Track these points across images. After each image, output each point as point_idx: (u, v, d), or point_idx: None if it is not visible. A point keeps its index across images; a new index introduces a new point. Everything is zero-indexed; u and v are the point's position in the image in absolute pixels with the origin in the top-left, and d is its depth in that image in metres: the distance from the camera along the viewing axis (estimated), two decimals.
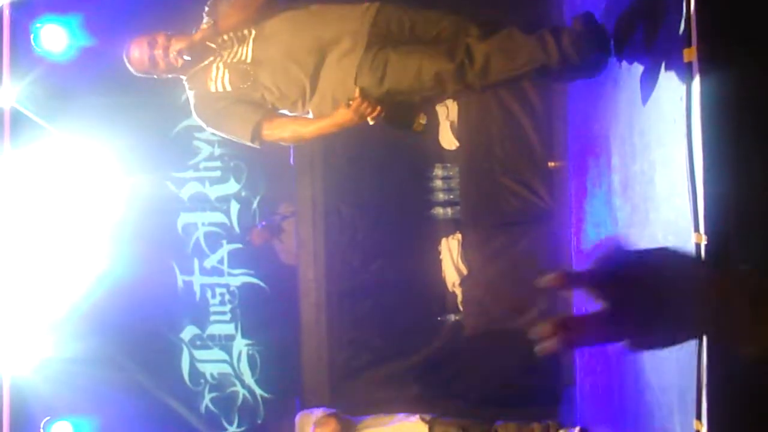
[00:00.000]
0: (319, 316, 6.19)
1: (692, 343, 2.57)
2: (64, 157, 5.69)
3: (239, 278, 6.77)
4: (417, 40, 3.66)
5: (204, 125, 3.91)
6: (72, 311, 5.83)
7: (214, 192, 6.77)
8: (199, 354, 6.83)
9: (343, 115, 3.60)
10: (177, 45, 3.74)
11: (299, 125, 3.79)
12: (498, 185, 5.83)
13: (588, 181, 4.58)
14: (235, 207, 6.76)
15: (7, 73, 5.43)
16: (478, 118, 5.91)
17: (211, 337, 6.81)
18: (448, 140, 6.10)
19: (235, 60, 3.75)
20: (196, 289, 6.82)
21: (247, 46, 3.74)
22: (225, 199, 6.77)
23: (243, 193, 6.74)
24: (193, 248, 6.81)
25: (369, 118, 3.58)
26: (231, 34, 3.75)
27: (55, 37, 5.40)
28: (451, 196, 6.12)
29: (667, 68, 2.90)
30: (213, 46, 3.76)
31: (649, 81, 3.15)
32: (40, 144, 5.55)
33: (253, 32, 3.74)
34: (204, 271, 6.81)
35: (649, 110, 3.18)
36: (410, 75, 3.53)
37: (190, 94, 3.88)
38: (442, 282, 6.11)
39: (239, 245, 6.76)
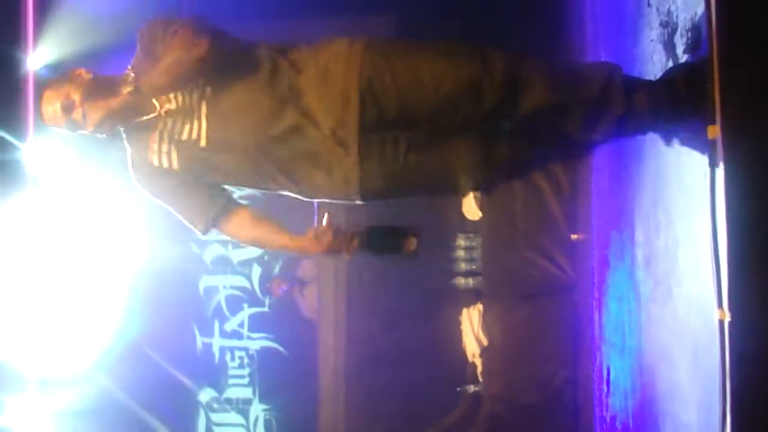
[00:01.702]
0: (337, 382, 6.16)
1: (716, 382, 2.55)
2: (87, 214, 5.74)
3: (259, 342, 6.77)
4: (412, 119, 2.88)
5: (146, 194, 3.16)
6: (90, 368, 5.83)
7: (236, 255, 6.81)
8: (216, 417, 6.81)
9: (307, 245, 3.01)
10: (94, 115, 2.91)
11: (264, 233, 3.12)
12: (520, 257, 5.82)
13: (611, 254, 4.57)
14: (256, 271, 6.79)
15: (32, 134, 5.51)
16: (502, 190, 5.93)
17: (229, 401, 6.80)
18: (472, 211, 6.12)
19: (184, 139, 2.96)
20: (216, 351, 6.83)
21: (200, 124, 2.95)
22: (247, 263, 6.81)
23: (265, 257, 6.77)
24: (214, 311, 6.83)
25: (346, 253, 3.00)
26: (172, 95, 2.96)
27: None
28: (473, 267, 6.12)
29: (691, 144, 2.92)
30: (154, 102, 2.96)
31: (673, 157, 3.17)
32: (62, 199, 5.61)
33: (204, 107, 2.93)
34: (224, 334, 6.83)
35: (674, 186, 3.19)
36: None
37: (128, 151, 3.13)
38: (462, 352, 6.09)
39: (260, 309, 6.78)
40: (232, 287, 6.82)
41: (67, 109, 2.93)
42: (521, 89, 2.79)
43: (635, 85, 2.85)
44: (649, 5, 3.52)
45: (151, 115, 2.96)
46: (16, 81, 5.37)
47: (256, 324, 6.80)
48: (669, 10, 3.26)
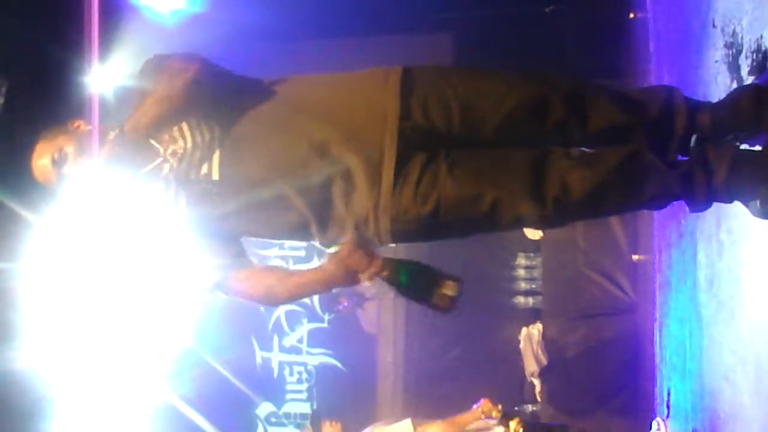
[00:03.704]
0: (395, 399, 6.19)
1: None
2: (153, 232, 5.83)
3: (317, 358, 6.81)
4: (471, 138, 2.55)
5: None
6: (155, 380, 5.91)
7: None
8: (274, 431, 6.85)
9: (327, 271, 2.51)
10: (87, 170, 2.58)
11: (277, 278, 2.66)
12: (581, 277, 5.81)
13: (672, 275, 4.54)
14: None
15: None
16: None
17: (287, 415, 6.84)
18: (532, 230, 6.12)
19: (192, 177, 2.58)
20: (274, 366, 6.88)
21: (212, 156, 2.57)
22: None
23: None
24: (274, 326, 6.88)
25: (365, 276, 2.49)
26: (178, 134, 2.59)
27: None
28: (533, 286, 6.12)
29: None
30: (154, 144, 2.59)
31: None
32: (130, 217, 5.70)
33: (217, 131, 2.58)
34: (283, 349, 6.87)
35: (737, 206, 3.17)
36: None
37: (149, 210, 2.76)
38: (521, 371, 6.07)
39: (319, 325, 6.82)
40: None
41: (58, 162, 2.61)
42: (588, 107, 2.57)
43: (697, 106, 2.79)
44: (713, 26, 3.50)
45: (156, 162, 2.60)
46: (80, 101, 5.48)
47: (315, 340, 6.84)
48: (734, 32, 3.24)
